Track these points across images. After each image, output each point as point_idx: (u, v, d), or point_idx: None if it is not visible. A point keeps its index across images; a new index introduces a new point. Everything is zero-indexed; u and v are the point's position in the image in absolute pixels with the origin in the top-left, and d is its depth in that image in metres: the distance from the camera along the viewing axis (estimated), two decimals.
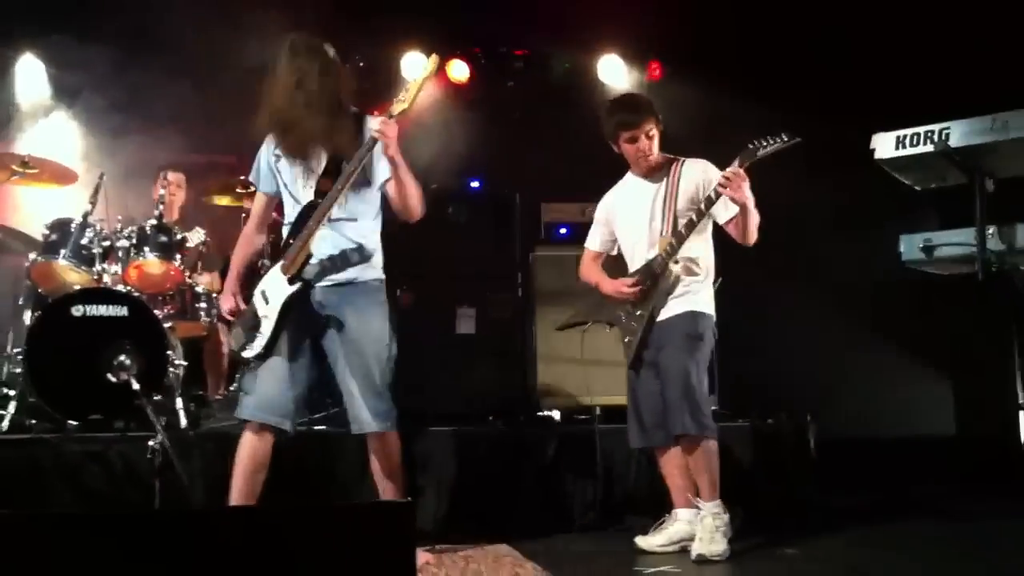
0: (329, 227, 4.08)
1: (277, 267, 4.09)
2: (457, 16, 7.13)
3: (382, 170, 4.10)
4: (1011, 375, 5.87)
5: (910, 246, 5.24)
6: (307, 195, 4.12)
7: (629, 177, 4.84)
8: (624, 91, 6.96)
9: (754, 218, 4.48)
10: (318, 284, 4.11)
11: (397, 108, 4.00)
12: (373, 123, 4.01)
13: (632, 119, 4.65)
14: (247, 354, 4.13)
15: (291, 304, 4.04)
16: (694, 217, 4.50)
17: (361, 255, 4.15)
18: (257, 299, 4.13)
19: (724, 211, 4.53)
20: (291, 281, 4.03)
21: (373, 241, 4.21)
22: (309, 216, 4.05)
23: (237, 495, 4.09)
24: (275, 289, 4.07)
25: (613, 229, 4.87)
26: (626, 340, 4.70)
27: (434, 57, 4.05)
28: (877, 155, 5.19)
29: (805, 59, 7.18)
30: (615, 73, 7.77)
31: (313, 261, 4.06)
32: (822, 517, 5.36)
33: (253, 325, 4.11)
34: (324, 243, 4.09)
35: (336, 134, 4.06)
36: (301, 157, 4.13)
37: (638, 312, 4.64)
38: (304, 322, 4.10)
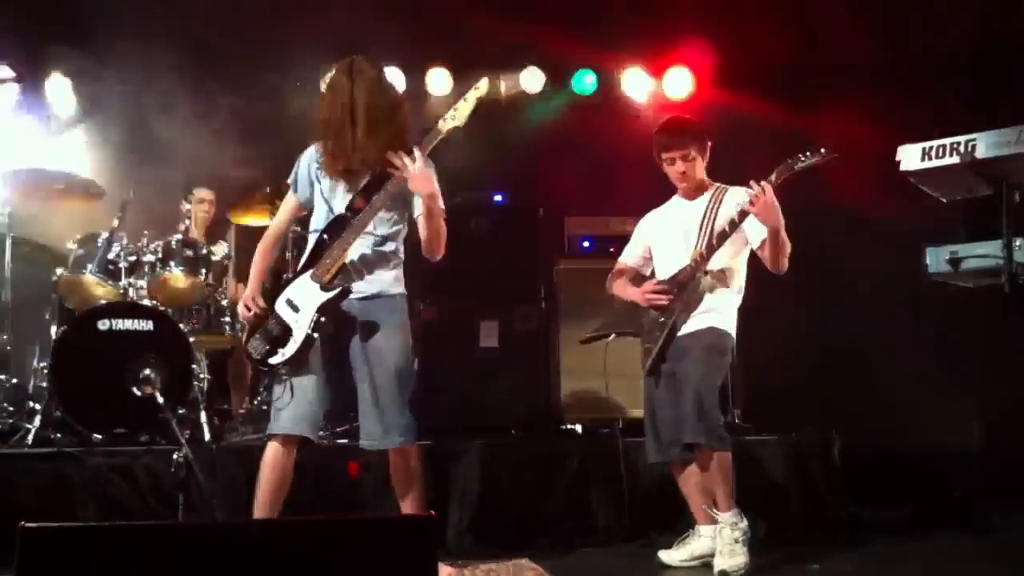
0: (359, 240, 4.09)
1: (306, 275, 4.08)
2: (481, 30, 7.15)
3: (417, 203, 4.11)
4: None
5: (936, 259, 5.19)
6: (342, 207, 4.13)
7: (674, 199, 4.88)
8: (672, 113, 6.98)
9: (784, 244, 4.48)
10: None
11: (447, 125, 4.03)
12: (411, 162, 3.99)
13: (669, 142, 4.71)
14: (274, 361, 4.09)
15: (325, 311, 4.03)
16: (727, 228, 4.52)
17: (387, 269, 4.16)
18: (282, 308, 4.10)
19: (756, 233, 4.54)
20: (325, 288, 4.04)
21: (398, 256, 4.23)
22: (338, 228, 4.07)
23: (262, 508, 4.08)
24: (306, 297, 4.06)
25: (650, 246, 4.90)
26: (646, 347, 4.71)
27: (485, 80, 4.09)
28: (903, 167, 5.15)
29: (834, 69, 7.16)
30: (639, 86, 7.74)
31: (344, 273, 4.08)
32: (848, 532, 5.30)
33: (280, 333, 4.08)
34: (354, 256, 4.10)
35: (382, 159, 4.06)
36: (347, 172, 4.13)
37: (661, 320, 4.64)
38: (331, 334, 4.10)
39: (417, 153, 3.99)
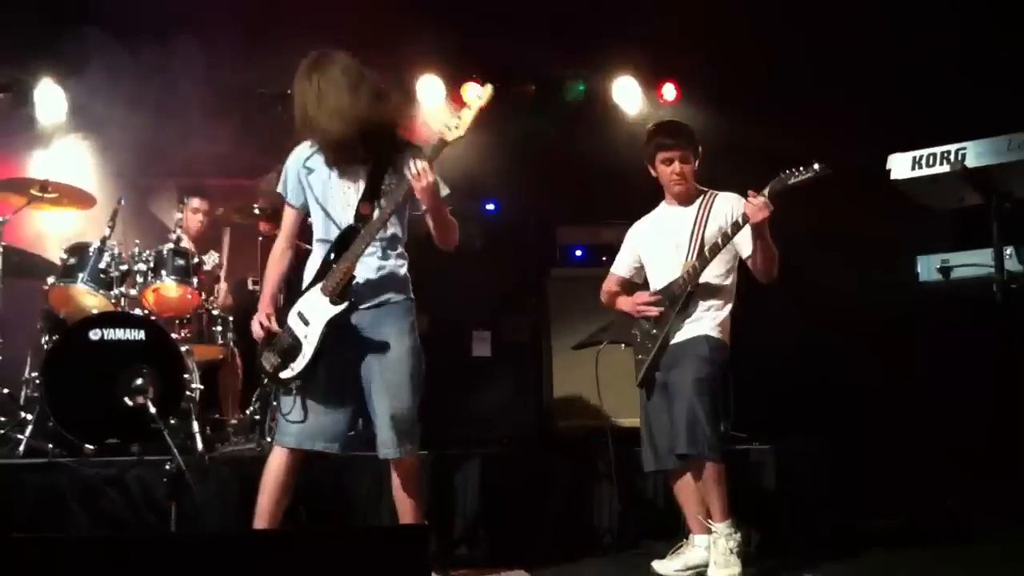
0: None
1: (316, 288, 4.06)
2: (471, 39, 7.16)
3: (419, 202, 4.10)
4: None
5: (927, 267, 5.22)
6: (346, 214, 4.09)
7: (662, 205, 4.91)
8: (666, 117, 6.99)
9: (772, 253, 4.50)
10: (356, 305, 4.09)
11: (451, 135, 3.97)
12: (413, 162, 3.96)
13: (670, 141, 4.75)
14: (285, 375, 4.07)
15: (334, 324, 4.01)
16: (720, 241, 4.55)
17: (395, 276, 4.15)
18: (294, 320, 4.08)
19: (748, 245, 4.55)
20: (334, 301, 4.01)
21: (404, 262, 4.21)
22: (348, 239, 4.04)
23: (263, 516, 4.07)
24: (315, 310, 4.04)
25: (640, 255, 4.92)
26: (638, 358, 4.73)
27: (489, 87, 4.01)
28: (893, 176, 5.17)
29: (823, 80, 7.18)
30: (630, 96, 7.75)
31: (353, 283, 4.06)
32: (842, 540, 5.31)
33: (291, 347, 4.06)
34: (361, 265, 4.07)
35: (376, 149, 4.07)
36: (342, 170, 4.11)
37: (653, 331, 4.67)
38: (342, 343, 4.07)
39: (427, 165, 3.95)
